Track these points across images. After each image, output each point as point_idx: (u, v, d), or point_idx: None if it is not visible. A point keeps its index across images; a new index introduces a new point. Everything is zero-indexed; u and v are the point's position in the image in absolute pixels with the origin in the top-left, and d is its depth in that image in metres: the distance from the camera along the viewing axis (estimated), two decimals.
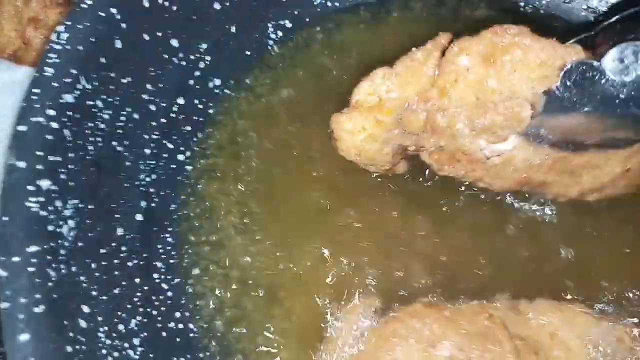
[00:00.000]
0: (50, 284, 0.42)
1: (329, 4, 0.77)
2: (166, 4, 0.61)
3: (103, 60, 0.53)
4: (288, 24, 0.75)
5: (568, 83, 0.53)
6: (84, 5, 0.53)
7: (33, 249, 0.41)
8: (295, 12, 0.75)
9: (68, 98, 0.49)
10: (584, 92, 0.54)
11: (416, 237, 0.60)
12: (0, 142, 0.68)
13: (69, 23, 0.51)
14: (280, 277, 0.58)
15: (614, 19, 0.60)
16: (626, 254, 0.60)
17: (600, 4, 0.76)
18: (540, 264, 0.58)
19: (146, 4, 0.58)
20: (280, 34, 0.74)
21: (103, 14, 0.53)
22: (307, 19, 0.76)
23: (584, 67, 0.53)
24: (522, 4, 0.77)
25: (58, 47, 0.50)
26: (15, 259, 0.40)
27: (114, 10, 0.55)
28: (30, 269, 0.40)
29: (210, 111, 0.68)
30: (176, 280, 0.57)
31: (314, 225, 0.61)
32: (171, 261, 0.57)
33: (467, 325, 0.51)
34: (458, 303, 0.55)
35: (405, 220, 0.61)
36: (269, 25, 0.73)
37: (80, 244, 0.48)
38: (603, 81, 0.53)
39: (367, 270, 0.58)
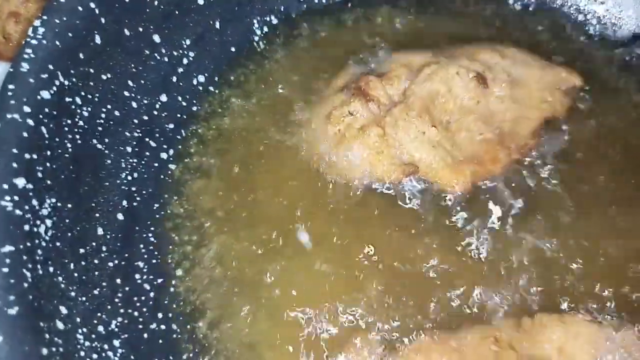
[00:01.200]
0: (25, 284, 0.40)
1: (315, 0, 0.76)
2: None
3: (82, 55, 0.52)
4: (274, 20, 0.74)
5: None
6: (61, 0, 0.51)
7: (7, 249, 0.40)
8: (281, 8, 0.74)
9: (45, 94, 0.48)
10: None
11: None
12: None
13: (45, 17, 0.50)
14: (263, 277, 0.57)
15: None
16: (625, 260, 0.57)
17: None
18: (538, 278, 0.56)
19: None
20: (265, 29, 0.74)
21: (81, 8, 0.52)
22: (293, 15, 0.75)
23: None
24: None
25: (34, 42, 0.48)
26: None
27: (92, 5, 0.53)
28: (4, 270, 0.39)
29: (194, 108, 0.67)
30: (159, 280, 0.56)
31: (297, 222, 0.60)
32: (153, 261, 0.56)
33: (476, 354, 0.50)
34: (461, 331, 0.53)
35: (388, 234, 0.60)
36: (255, 21, 0.73)
37: (58, 243, 0.46)
38: None
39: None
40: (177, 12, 0.63)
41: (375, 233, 0.59)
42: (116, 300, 0.51)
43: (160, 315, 0.54)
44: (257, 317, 0.55)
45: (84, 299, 0.47)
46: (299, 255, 0.58)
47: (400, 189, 0.61)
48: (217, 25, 0.69)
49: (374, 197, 0.61)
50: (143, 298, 0.54)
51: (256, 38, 0.73)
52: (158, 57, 0.63)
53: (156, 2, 0.61)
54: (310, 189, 0.62)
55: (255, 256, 0.58)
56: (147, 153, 0.61)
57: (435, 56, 0.65)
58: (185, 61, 0.66)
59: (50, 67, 0.49)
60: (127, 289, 0.53)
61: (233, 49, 0.71)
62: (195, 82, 0.67)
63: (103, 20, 0.54)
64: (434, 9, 0.77)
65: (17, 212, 0.42)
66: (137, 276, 0.55)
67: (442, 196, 0.61)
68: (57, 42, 0.50)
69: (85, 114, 0.53)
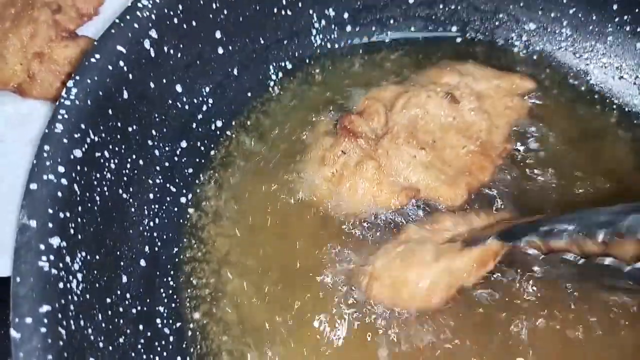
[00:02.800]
0: (61, 342, 0.43)
1: (328, 45, 0.79)
2: (172, 51, 0.62)
3: (110, 111, 0.55)
4: (288, 65, 0.77)
5: None
6: (93, 60, 0.54)
7: (45, 308, 0.43)
8: (296, 54, 0.77)
9: (77, 153, 0.51)
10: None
11: None
12: (5, 177, 0.70)
13: (78, 78, 0.53)
14: (279, 323, 0.59)
15: None
16: None
17: None
18: None
19: (152, 54, 0.60)
20: (280, 74, 0.77)
21: (111, 67, 0.55)
22: (307, 60, 0.78)
23: None
24: None
25: (68, 102, 0.51)
26: (28, 320, 0.42)
27: (122, 63, 0.56)
28: (42, 330, 0.42)
29: (212, 152, 0.70)
30: (177, 324, 0.58)
31: (315, 269, 0.63)
32: (173, 305, 0.59)
33: None
34: None
35: None
36: (270, 66, 0.76)
37: (87, 296, 0.49)
38: None
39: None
40: (198, 62, 0.66)
41: None
42: (139, 346, 0.54)
43: (179, 358, 0.57)
44: None
45: (110, 348, 0.50)
46: (314, 298, 0.61)
47: (406, 213, 0.65)
48: (235, 72, 0.72)
49: (383, 224, 0.64)
50: (163, 342, 0.56)
51: (271, 83, 0.76)
52: (179, 106, 0.65)
53: (179, 54, 0.63)
54: (319, 230, 0.65)
55: (272, 301, 0.61)
56: (168, 198, 0.64)
57: (402, 87, 0.71)
58: (204, 108, 0.69)
59: (82, 126, 0.52)
60: (148, 334, 0.55)
61: (249, 94, 0.74)
62: (213, 127, 0.70)
63: (130, 77, 0.57)
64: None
65: (53, 271, 0.45)
66: (158, 321, 0.57)
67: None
68: (89, 102, 0.53)
69: (113, 166, 0.56)
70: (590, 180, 0.69)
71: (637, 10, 0.74)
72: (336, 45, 0.80)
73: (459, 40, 0.83)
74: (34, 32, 0.78)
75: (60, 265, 0.46)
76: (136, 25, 0.58)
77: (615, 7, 0.76)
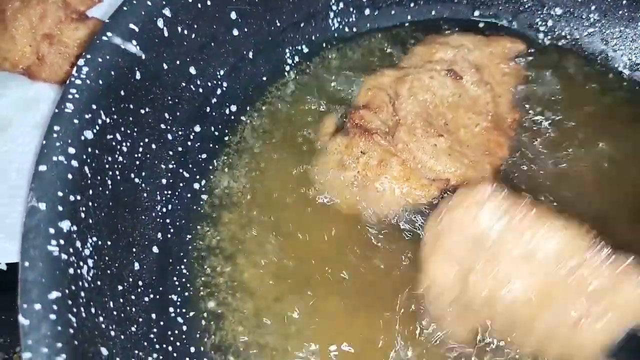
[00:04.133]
0: (71, 330, 0.41)
1: (346, 29, 0.76)
2: (186, 31, 0.60)
3: (122, 92, 0.53)
4: (305, 49, 0.75)
5: None
6: (105, 38, 0.52)
7: (55, 295, 0.41)
8: (313, 37, 0.75)
9: (88, 134, 0.48)
10: None
11: None
12: (14, 162, 0.68)
13: (89, 56, 0.51)
14: (295, 309, 0.57)
15: None
16: None
17: None
18: None
19: (166, 33, 0.58)
20: (297, 59, 0.74)
21: (123, 47, 0.53)
22: (324, 44, 0.76)
23: None
24: None
25: (78, 81, 0.49)
26: (37, 306, 0.40)
27: (134, 42, 0.54)
28: (52, 317, 0.40)
29: (226, 138, 0.68)
30: (191, 313, 0.57)
31: (331, 255, 0.61)
32: (186, 294, 0.57)
33: None
34: None
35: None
36: (287, 50, 0.73)
37: (99, 282, 0.47)
38: None
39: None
40: (212, 44, 0.64)
41: None
42: (151, 336, 0.52)
43: (192, 349, 0.55)
44: (288, 351, 0.55)
45: (122, 337, 0.48)
46: (329, 292, 0.59)
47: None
48: (250, 55, 0.69)
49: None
50: (177, 332, 0.55)
51: (287, 67, 0.73)
52: (193, 89, 0.63)
53: (193, 35, 0.61)
54: (346, 224, 0.63)
55: (288, 289, 0.59)
56: (181, 184, 0.62)
57: (398, 70, 0.69)
58: (218, 91, 0.67)
59: (94, 106, 0.50)
60: (161, 323, 0.54)
61: (265, 79, 0.72)
62: (227, 111, 0.68)
63: (144, 57, 0.55)
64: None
65: (63, 256, 0.43)
66: (171, 309, 0.56)
67: None
68: (100, 81, 0.51)
69: (125, 149, 0.54)
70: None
71: None
72: (354, 29, 0.77)
73: (481, 24, 0.80)
74: (43, 12, 0.76)
75: (71, 250, 0.44)
76: (149, 3, 0.55)
77: None
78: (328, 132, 0.67)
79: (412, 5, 0.78)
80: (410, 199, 0.62)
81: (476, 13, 0.80)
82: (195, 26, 0.61)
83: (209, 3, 0.62)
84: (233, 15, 0.65)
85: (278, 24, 0.71)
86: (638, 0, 0.74)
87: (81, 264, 0.46)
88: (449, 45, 0.71)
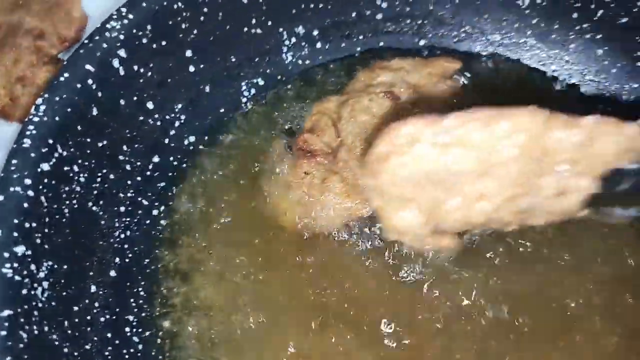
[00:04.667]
0: (21, 345, 0.45)
1: (299, 62, 0.82)
2: (142, 70, 0.65)
3: (79, 127, 0.58)
4: (260, 82, 0.80)
5: None
6: (62, 79, 0.57)
7: (6, 313, 0.45)
8: (268, 71, 0.80)
9: (45, 166, 0.53)
10: None
11: None
12: None
13: (47, 96, 0.55)
14: (249, 332, 0.61)
15: None
16: None
17: None
18: None
19: (122, 72, 0.62)
20: (253, 91, 0.79)
21: (79, 85, 0.58)
22: (279, 77, 0.81)
23: None
24: None
25: (36, 119, 0.54)
26: None
27: (90, 81, 0.59)
28: (2, 333, 0.44)
29: (184, 166, 0.72)
30: (147, 333, 0.60)
31: (286, 280, 0.64)
32: (143, 314, 0.61)
33: None
34: None
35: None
36: (243, 83, 0.78)
37: (53, 303, 0.51)
38: None
39: None
40: (169, 80, 0.69)
41: None
42: (106, 353, 0.55)
43: None
44: None
45: (75, 354, 0.51)
46: (284, 307, 0.62)
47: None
48: (207, 89, 0.74)
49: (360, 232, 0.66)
50: (132, 351, 0.58)
51: (244, 99, 0.78)
52: (151, 122, 0.68)
53: (150, 73, 0.66)
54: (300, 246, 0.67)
55: (243, 311, 0.62)
56: (140, 211, 0.66)
57: (343, 96, 0.74)
58: (176, 124, 0.71)
59: (50, 141, 0.54)
60: (117, 342, 0.57)
61: (222, 110, 0.76)
62: (186, 142, 0.73)
63: (100, 94, 0.60)
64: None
65: (17, 277, 0.47)
66: (127, 329, 0.59)
67: None
68: (57, 118, 0.55)
69: (82, 179, 0.58)
70: None
71: (595, 18, 0.76)
72: (307, 62, 0.82)
73: (426, 53, 0.85)
74: (17, 57, 0.81)
75: (25, 272, 0.48)
76: (105, 45, 0.60)
77: (575, 15, 0.78)
78: (276, 156, 0.71)
79: (360, 37, 0.84)
80: (352, 212, 0.66)
81: (421, 42, 0.85)
82: (151, 64, 0.66)
83: (164, 43, 0.67)
84: (188, 53, 0.70)
85: (233, 60, 0.76)
86: (568, 26, 0.79)
87: (35, 285, 0.49)
88: (389, 69, 0.76)
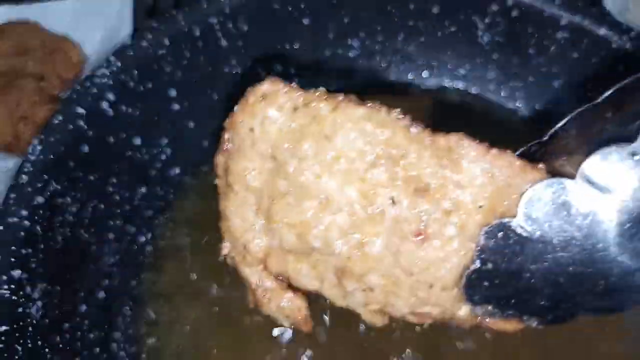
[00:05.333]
0: (16, 357, 0.51)
1: None
2: (129, 110, 0.72)
3: (71, 164, 0.65)
4: None
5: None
6: (56, 121, 0.64)
7: (3, 328, 0.51)
8: None
9: (40, 199, 0.60)
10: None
11: None
12: None
13: (42, 137, 0.62)
14: (230, 347, 0.66)
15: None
16: None
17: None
18: None
19: (110, 113, 0.69)
20: None
21: (71, 126, 0.65)
22: None
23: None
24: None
25: (32, 157, 0.61)
26: None
27: (81, 122, 0.66)
28: (0, 346, 0.50)
29: (171, 196, 0.79)
30: (132, 349, 0.66)
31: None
32: (129, 331, 0.67)
33: None
34: None
35: None
36: (225, 118, 0.85)
37: (46, 320, 0.57)
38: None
39: None
40: (155, 118, 0.76)
41: None
42: None
43: None
44: None
45: None
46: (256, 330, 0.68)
47: None
48: (191, 125, 0.81)
49: None
50: None
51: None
52: (139, 156, 0.75)
53: (137, 112, 0.73)
54: None
55: (216, 329, 0.68)
56: (128, 238, 0.72)
57: None
58: (162, 157, 0.78)
59: (45, 176, 0.61)
60: (104, 356, 0.63)
61: (206, 143, 0.83)
62: (171, 173, 0.80)
63: (90, 133, 0.67)
64: None
65: (13, 297, 0.54)
66: (114, 345, 0.65)
67: None
68: (51, 156, 0.62)
69: (74, 209, 0.65)
70: None
71: (549, 53, 0.83)
72: None
73: (398, 86, 0.92)
74: (20, 98, 0.89)
75: (21, 293, 0.55)
76: (95, 90, 0.68)
77: (530, 51, 0.85)
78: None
79: (334, 73, 0.91)
80: None
81: (393, 77, 0.92)
82: (138, 105, 0.73)
83: (150, 85, 0.74)
84: (172, 93, 0.78)
85: (215, 97, 0.83)
86: (525, 61, 0.86)
87: (30, 304, 0.56)
88: None
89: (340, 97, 0.45)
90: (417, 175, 0.42)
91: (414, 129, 0.42)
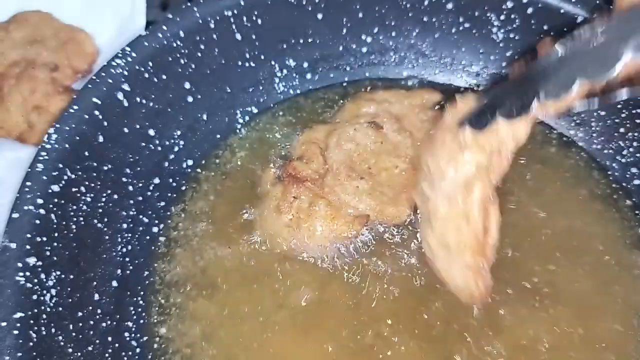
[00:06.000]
0: (31, 343, 0.52)
1: (290, 91, 0.89)
2: (144, 101, 0.73)
3: (86, 153, 0.65)
4: (254, 109, 0.87)
5: None
6: (72, 110, 0.64)
7: (18, 315, 0.52)
8: (261, 100, 0.87)
9: (55, 188, 0.60)
10: None
11: None
12: (1, 215, 0.80)
13: (58, 126, 0.63)
14: (239, 336, 0.67)
15: None
16: None
17: None
18: None
19: (125, 104, 0.70)
20: (247, 118, 0.86)
21: (87, 116, 0.65)
22: (271, 105, 0.88)
23: None
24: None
25: (48, 146, 0.61)
26: (3, 323, 0.51)
27: (97, 112, 0.66)
28: (15, 332, 0.51)
29: (183, 188, 0.79)
30: (144, 338, 0.66)
31: (274, 294, 0.70)
32: (141, 321, 0.67)
33: None
34: None
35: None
36: (237, 112, 0.85)
37: (60, 308, 0.58)
38: None
39: None
40: (169, 110, 0.77)
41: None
42: (106, 355, 0.61)
43: None
44: None
45: (78, 354, 0.58)
46: (280, 326, 0.68)
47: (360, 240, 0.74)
48: (204, 117, 0.82)
49: (345, 253, 0.73)
50: (130, 354, 0.64)
51: (239, 126, 0.85)
52: (152, 147, 0.75)
53: (151, 103, 0.73)
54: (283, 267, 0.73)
55: (231, 319, 0.68)
56: (140, 228, 0.73)
57: (330, 125, 0.80)
58: (176, 148, 0.79)
59: (60, 165, 0.61)
60: (116, 345, 0.63)
61: (218, 136, 0.84)
62: (184, 165, 0.80)
63: (106, 124, 0.67)
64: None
65: (28, 285, 0.54)
66: (126, 334, 0.65)
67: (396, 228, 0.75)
68: (67, 145, 0.63)
69: (88, 199, 0.65)
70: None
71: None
72: (298, 91, 0.90)
73: (410, 83, 0.92)
74: (33, 88, 0.90)
75: (35, 280, 0.55)
76: (110, 81, 0.68)
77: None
78: (268, 181, 0.78)
79: (347, 68, 0.91)
80: (337, 236, 0.72)
81: (404, 73, 0.92)
82: (153, 96, 0.74)
83: (164, 77, 0.74)
84: (187, 85, 0.78)
85: (228, 90, 0.84)
86: None
87: (44, 292, 0.56)
88: (373, 101, 0.83)
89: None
90: None
91: None
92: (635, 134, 0.81)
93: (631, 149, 0.81)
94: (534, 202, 0.78)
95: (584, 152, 0.85)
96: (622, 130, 0.82)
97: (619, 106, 0.81)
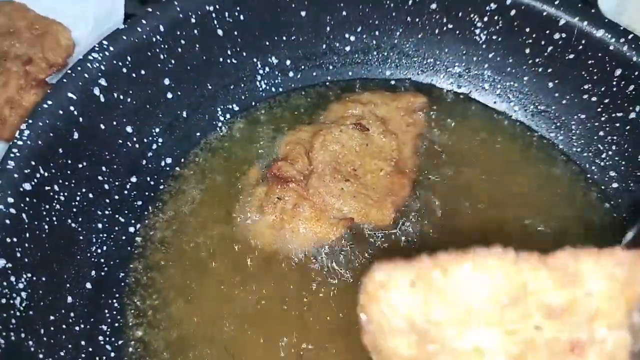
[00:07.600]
0: None
1: (273, 89, 0.87)
2: (121, 97, 0.70)
3: (60, 150, 0.63)
4: (235, 107, 0.85)
5: None
6: (45, 105, 0.62)
7: None
8: (243, 97, 0.85)
9: (27, 186, 0.58)
10: None
11: None
12: None
13: (30, 121, 0.60)
14: (218, 342, 0.65)
15: None
16: None
17: None
18: None
19: (102, 99, 0.68)
20: (228, 116, 0.85)
21: (62, 112, 0.63)
22: (253, 103, 0.86)
23: None
24: None
25: (20, 142, 0.59)
26: None
27: (72, 107, 0.64)
28: None
29: (161, 187, 0.77)
30: (119, 342, 0.64)
31: (254, 297, 0.69)
32: (116, 324, 0.65)
33: None
34: None
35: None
36: (218, 109, 0.84)
37: (30, 312, 0.55)
38: None
39: None
40: (147, 106, 0.74)
41: None
42: None
43: None
44: None
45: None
46: (259, 328, 0.67)
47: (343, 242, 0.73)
48: (184, 114, 0.80)
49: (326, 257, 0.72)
50: (104, 358, 0.62)
51: (219, 124, 0.84)
52: (130, 145, 0.73)
53: (129, 99, 0.71)
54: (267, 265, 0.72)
55: (210, 322, 0.66)
56: (117, 228, 0.71)
57: (315, 127, 0.79)
58: (154, 146, 0.76)
59: (32, 162, 0.59)
60: (90, 349, 0.61)
61: (198, 134, 0.82)
62: (163, 163, 0.78)
63: (81, 120, 0.65)
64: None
65: None
66: (100, 338, 0.63)
67: (380, 232, 0.74)
68: (40, 142, 0.60)
69: (62, 198, 0.63)
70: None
71: (546, 54, 0.83)
72: (280, 89, 0.88)
73: (392, 82, 0.91)
74: (6, 81, 0.86)
75: (5, 283, 0.53)
76: (86, 75, 0.66)
77: (527, 50, 0.85)
78: (251, 182, 0.76)
79: (330, 67, 0.90)
80: (321, 237, 0.71)
81: (387, 73, 0.91)
82: (131, 92, 0.71)
83: (142, 72, 0.72)
84: (166, 81, 0.76)
85: (209, 87, 0.82)
86: (521, 61, 0.85)
87: (14, 295, 0.54)
88: (359, 102, 0.82)
89: (446, 256, 0.43)
90: (545, 300, 0.42)
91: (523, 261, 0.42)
92: (614, 138, 0.81)
93: (610, 152, 0.82)
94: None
95: (563, 154, 0.85)
96: (601, 133, 0.82)
97: (599, 109, 0.81)
